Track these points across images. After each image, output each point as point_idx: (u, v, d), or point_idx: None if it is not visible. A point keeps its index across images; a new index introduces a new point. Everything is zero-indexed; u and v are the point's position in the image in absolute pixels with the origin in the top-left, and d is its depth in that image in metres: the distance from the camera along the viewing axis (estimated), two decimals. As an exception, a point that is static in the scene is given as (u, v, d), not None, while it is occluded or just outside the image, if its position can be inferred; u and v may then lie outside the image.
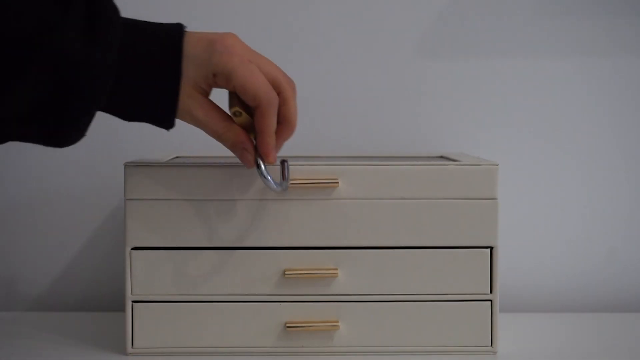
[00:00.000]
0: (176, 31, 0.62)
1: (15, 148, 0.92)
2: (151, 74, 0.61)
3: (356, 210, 0.71)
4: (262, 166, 0.67)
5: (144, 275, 0.72)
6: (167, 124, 0.64)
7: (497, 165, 0.72)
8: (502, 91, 0.93)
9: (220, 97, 0.66)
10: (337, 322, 0.72)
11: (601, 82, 0.93)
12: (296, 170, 0.70)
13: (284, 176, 0.68)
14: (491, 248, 0.72)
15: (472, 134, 0.93)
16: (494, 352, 0.73)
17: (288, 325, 0.72)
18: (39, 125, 0.58)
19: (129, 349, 0.72)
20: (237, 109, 0.64)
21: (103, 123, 0.92)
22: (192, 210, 0.71)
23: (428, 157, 0.84)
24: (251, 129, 0.66)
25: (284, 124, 0.66)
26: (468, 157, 0.81)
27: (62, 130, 0.59)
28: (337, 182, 0.71)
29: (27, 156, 0.92)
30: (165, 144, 0.88)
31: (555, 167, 0.93)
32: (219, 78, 0.63)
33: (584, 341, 0.79)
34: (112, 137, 0.92)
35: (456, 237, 0.72)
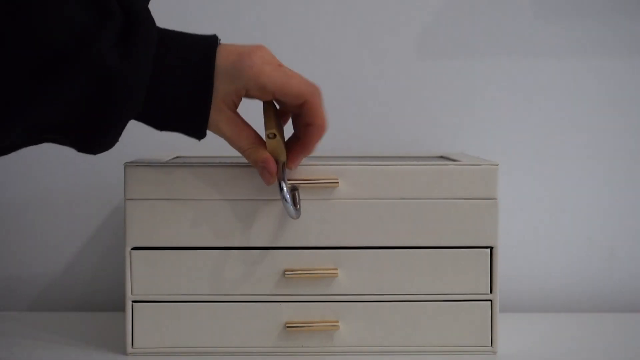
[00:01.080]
0: (209, 43, 0.62)
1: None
2: (183, 86, 0.61)
3: (356, 210, 0.71)
4: (285, 189, 0.67)
5: (144, 275, 0.72)
6: (199, 135, 0.64)
7: (497, 165, 0.72)
8: (502, 91, 0.93)
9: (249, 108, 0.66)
10: (337, 322, 0.72)
11: (601, 83, 0.93)
12: (296, 171, 0.70)
13: (295, 203, 0.69)
14: (491, 248, 0.72)
15: (472, 134, 0.93)
16: (494, 352, 0.73)
17: (288, 325, 0.72)
18: (74, 132, 0.59)
19: (129, 349, 0.72)
20: (273, 131, 0.65)
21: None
22: (192, 210, 0.71)
23: (428, 157, 0.84)
24: (279, 152, 0.66)
25: (317, 128, 0.66)
26: (468, 157, 0.81)
27: (96, 138, 0.60)
28: (337, 182, 0.71)
29: (27, 156, 0.92)
30: (165, 144, 0.88)
31: (555, 167, 0.93)
32: (252, 91, 0.63)
33: (584, 341, 0.79)
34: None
35: (456, 237, 0.72)
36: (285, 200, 0.67)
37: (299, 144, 0.67)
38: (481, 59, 0.92)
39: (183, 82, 0.61)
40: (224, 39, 0.64)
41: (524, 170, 0.93)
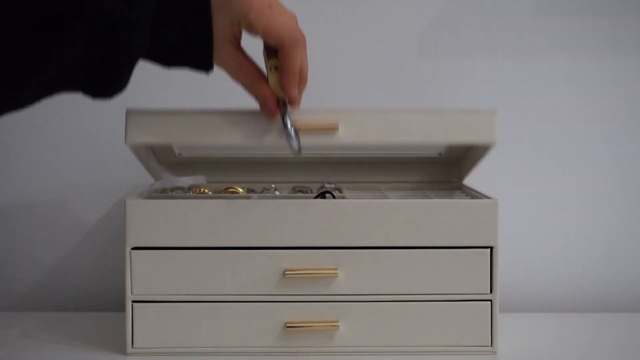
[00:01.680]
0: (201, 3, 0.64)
1: (16, 147, 0.92)
2: (185, 22, 0.63)
3: (356, 211, 0.71)
4: (289, 124, 0.68)
5: (144, 275, 0.72)
6: (206, 67, 0.65)
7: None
8: (502, 91, 0.93)
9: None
10: (337, 322, 0.72)
11: (601, 83, 0.93)
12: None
13: (298, 140, 0.70)
14: (491, 248, 0.72)
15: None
16: (494, 352, 0.73)
17: (288, 325, 0.72)
18: (87, 77, 0.60)
19: (129, 349, 0.72)
20: (275, 62, 0.66)
21: (104, 122, 0.92)
22: (192, 210, 0.71)
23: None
24: (277, 88, 0.68)
25: (288, 75, 0.67)
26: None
27: (108, 80, 0.61)
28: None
29: (27, 156, 0.92)
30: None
31: (555, 167, 0.93)
32: (243, 25, 0.65)
33: (584, 341, 0.79)
34: (112, 136, 0.92)
35: (456, 237, 0.72)
36: (289, 135, 0.68)
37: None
38: (481, 59, 0.92)
39: (183, 18, 0.63)
40: None
41: (524, 171, 0.93)
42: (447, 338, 0.72)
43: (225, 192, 0.84)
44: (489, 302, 0.72)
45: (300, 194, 0.84)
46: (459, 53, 0.93)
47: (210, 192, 0.83)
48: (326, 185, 0.85)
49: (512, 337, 0.78)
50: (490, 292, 0.72)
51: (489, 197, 0.74)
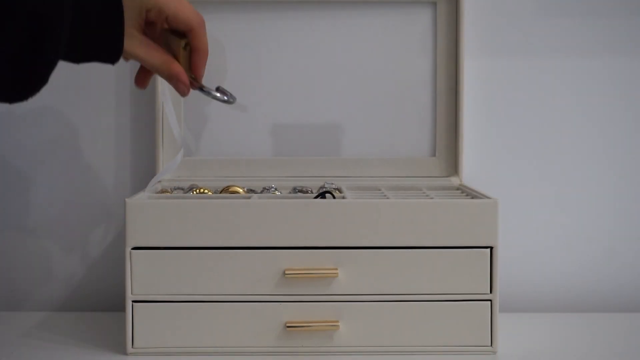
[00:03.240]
0: None
1: (16, 148, 0.92)
2: (97, 20, 0.65)
3: (356, 211, 0.71)
4: (212, 90, 0.74)
5: (144, 275, 0.72)
6: (113, 59, 0.68)
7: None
8: (502, 91, 0.93)
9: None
10: (337, 322, 0.72)
11: (601, 83, 0.93)
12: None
13: (225, 93, 0.76)
14: (491, 248, 0.72)
15: (472, 134, 0.93)
16: (494, 352, 0.73)
17: (288, 325, 0.72)
18: (11, 76, 0.61)
19: (129, 349, 0.72)
20: (185, 40, 0.72)
21: (104, 122, 0.92)
22: (192, 210, 0.71)
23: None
24: (186, 66, 0.73)
25: (200, 53, 0.74)
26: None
27: (33, 78, 0.62)
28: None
29: (27, 156, 0.92)
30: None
31: (555, 167, 0.93)
32: (152, 13, 0.70)
33: (584, 341, 0.79)
34: (112, 135, 0.92)
35: (456, 237, 0.72)
36: (211, 93, 0.74)
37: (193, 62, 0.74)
38: (480, 59, 0.92)
39: (96, 9, 0.65)
40: None
41: (524, 171, 0.93)
42: (447, 338, 0.72)
43: (225, 192, 0.84)
44: (489, 302, 0.72)
45: (300, 194, 0.84)
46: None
47: (210, 192, 0.83)
48: (326, 185, 0.85)
49: (512, 337, 0.78)
50: (490, 292, 0.72)
51: (489, 197, 0.74)
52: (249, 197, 0.76)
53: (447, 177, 0.89)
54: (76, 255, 0.93)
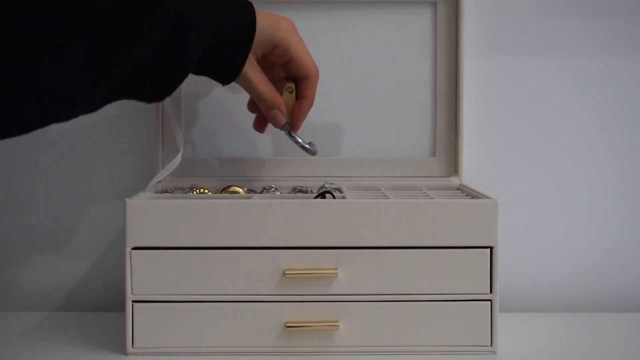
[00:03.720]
0: (249, 4, 0.72)
1: (16, 147, 0.92)
2: (229, 39, 0.69)
3: (356, 211, 0.71)
4: (298, 138, 0.77)
5: (144, 275, 0.72)
6: (227, 81, 0.72)
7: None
8: (502, 91, 0.93)
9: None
10: (337, 322, 0.72)
11: (601, 83, 0.93)
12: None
13: (313, 146, 0.79)
14: (491, 248, 0.72)
15: (472, 134, 0.93)
16: (494, 352, 0.73)
17: (288, 325, 0.72)
18: (154, 74, 0.64)
19: (129, 349, 0.72)
20: (292, 86, 0.77)
21: (104, 122, 0.92)
22: (192, 210, 0.71)
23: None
24: (290, 107, 0.77)
25: (307, 101, 0.77)
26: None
27: (173, 77, 0.66)
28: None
29: (27, 156, 0.92)
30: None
31: (555, 167, 0.93)
32: (278, 49, 0.73)
33: (584, 341, 0.79)
34: (111, 135, 0.92)
35: (456, 237, 0.72)
36: (304, 146, 0.78)
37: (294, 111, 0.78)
38: (480, 58, 0.92)
39: (229, 31, 0.68)
40: None
41: (524, 170, 0.93)
42: (447, 338, 0.72)
43: (225, 192, 0.84)
44: (489, 302, 0.72)
45: (300, 194, 0.84)
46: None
47: (210, 192, 0.83)
48: (326, 185, 0.85)
49: (512, 337, 0.77)
50: (490, 292, 0.72)
51: (489, 197, 0.74)
52: (249, 197, 0.76)
53: (447, 177, 0.89)
54: (76, 255, 0.93)
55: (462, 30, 0.88)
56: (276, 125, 0.76)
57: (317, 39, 0.89)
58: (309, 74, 0.76)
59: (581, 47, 0.93)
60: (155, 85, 0.66)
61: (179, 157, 0.82)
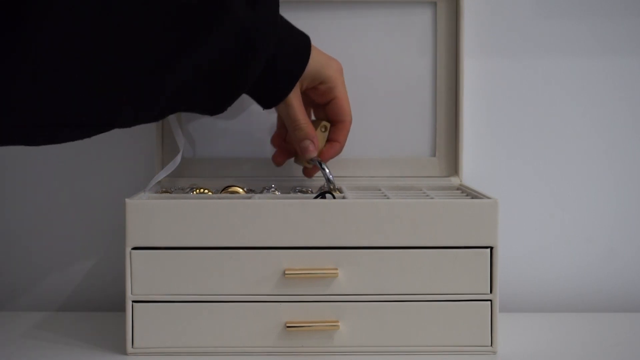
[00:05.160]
0: (306, 36, 0.73)
1: (16, 147, 0.92)
2: (284, 58, 0.69)
3: (356, 211, 0.71)
4: (327, 170, 0.79)
5: (144, 275, 0.72)
6: (269, 106, 0.73)
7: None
8: (502, 91, 0.93)
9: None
10: (337, 322, 0.72)
11: (601, 83, 0.93)
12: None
13: (334, 183, 0.81)
14: (491, 248, 0.72)
15: (472, 134, 0.93)
16: (494, 352, 0.73)
17: (288, 325, 0.72)
18: (213, 88, 0.65)
19: (129, 349, 0.72)
20: (326, 124, 0.79)
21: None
22: (192, 210, 0.71)
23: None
24: (322, 144, 0.80)
25: (338, 145, 0.80)
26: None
27: (236, 86, 0.66)
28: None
29: (27, 156, 0.92)
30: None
31: (555, 167, 0.93)
32: (323, 86, 0.76)
33: (584, 341, 0.79)
34: (112, 135, 0.92)
35: (456, 237, 0.72)
36: (327, 175, 0.79)
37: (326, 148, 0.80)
38: (479, 58, 0.92)
39: (286, 55, 0.69)
40: None
41: (524, 170, 0.93)
42: (447, 338, 0.72)
43: (225, 192, 0.84)
44: (489, 302, 0.72)
45: (300, 194, 0.84)
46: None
47: (210, 192, 0.83)
48: (326, 185, 0.85)
49: (512, 337, 0.78)
50: (490, 292, 0.72)
51: (489, 197, 0.74)
52: (249, 197, 0.76)
53: (447, 177, 0.89)
54: (76, 255, 0.93)
55: (462, 30, 0.88)
56: (306, 155, 0.77)
57: (316, 38, 0.89)
58: (344, 119, 0.78)
59: (581, 48, 0.93)
60: (217, 92, 0.65)
61: (179, 157, 0.82)
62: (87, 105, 0.59)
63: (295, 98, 0.73)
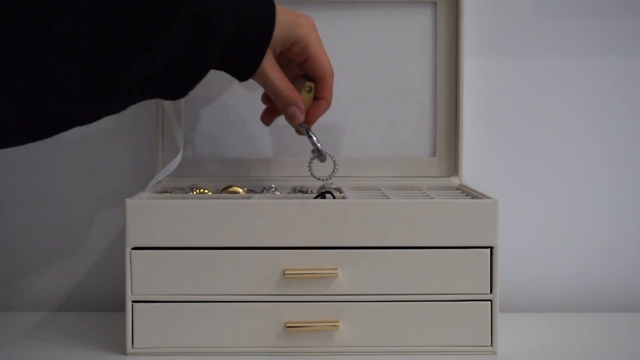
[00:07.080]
0: (270, 0, 0.70)
1: (16, 147, 0.92)
2: (249, 31, 0.67)
3: (356, 211, 0.71)
4: (314, 137, 0.77)
5: (144, 275, 0.72)
6: (245, 77, 0.70)
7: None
8: (502, 91, 0.93)
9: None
10: (337, 322, 0.72)
11: (601, 83, 0.93)
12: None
13: (326, 153, 0.79)
14: (491, 248, 0.72)
15: (472, 134, 0.93)
16: (494, 352, 0.73)
17: (288, 325, 0.72)
18: (179, 69, 0.63)
19: (129, 349, 0.72)
20: (311, 85, 0.76)
21: (103, 122, 0.92)
22: (192, 210, 0.71)
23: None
24: (307, 106, 0.76)
25: (324, 103, 0.77)
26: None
27: (196, 72, 0.65)
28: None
29: (27, 156, 0.92)
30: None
31: (556, 167, 0.93)
32: (296, 47, 0.72)
33: (584, 341, 0.79)
34: (112, 135, 0.92)
35: (456, 237, 0.72)
36: (315, 142, 0.77)
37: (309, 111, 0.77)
38: (479, 58, 0.92)
39: (249, 28, 0.67)
40: None
41: (524, 170, 0.93)
42: (447, 338, 0.72)
43: (225, 192, 0.84)
44: (489, 302, 0.72)
45: (300, 194, 0.84)
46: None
47: (210, 192, 0.83)
48: (326, 185, 0.85)
49: (512, 337, 0.78)
50: (490, 292, 0.72)
51: (489, 197, 0.74)
52: (249, 197, 0.76)
53: (447, 177, 0.89)
54: (76, 255, 0.93)
55: (462, 30, 0.88)
56: (293, 122, 0.75)
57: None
58: (324, 75, 0.75)
59: (581, 47, 0.93)
60: (177, 81, 0.64)
61: (179, 157, 0.82)
62: (42, 106, 0.58)
63: (269, 66, 0.70)
